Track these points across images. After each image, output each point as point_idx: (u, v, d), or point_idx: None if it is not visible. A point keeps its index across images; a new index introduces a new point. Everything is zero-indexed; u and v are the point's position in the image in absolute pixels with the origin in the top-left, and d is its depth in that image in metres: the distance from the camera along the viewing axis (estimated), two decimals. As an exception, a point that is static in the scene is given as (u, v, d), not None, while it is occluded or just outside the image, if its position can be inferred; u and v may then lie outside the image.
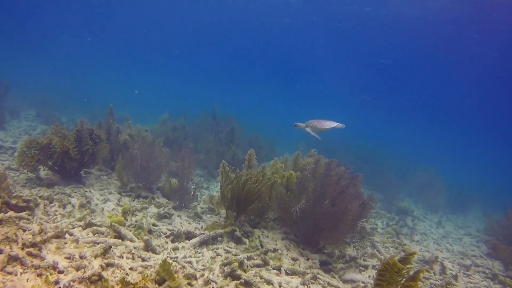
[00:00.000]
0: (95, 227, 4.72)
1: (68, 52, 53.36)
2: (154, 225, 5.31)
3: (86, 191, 6.23)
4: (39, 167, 6.50)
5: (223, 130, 11.80)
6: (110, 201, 6.05)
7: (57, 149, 6.26)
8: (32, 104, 18.18)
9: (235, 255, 4.91)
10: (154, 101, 32.42)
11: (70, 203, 5.54)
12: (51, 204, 5.36)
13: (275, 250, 5.22)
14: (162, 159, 7.17)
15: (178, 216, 6.05)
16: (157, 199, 6.68)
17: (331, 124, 6.17)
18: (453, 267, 6.73)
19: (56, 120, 14.63)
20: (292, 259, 5.18)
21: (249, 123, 15.51)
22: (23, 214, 4.65)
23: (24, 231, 4.20)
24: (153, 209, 6.07)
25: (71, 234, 4.41)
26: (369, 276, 5.51)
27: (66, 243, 4.06)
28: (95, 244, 4.27)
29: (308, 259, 5.34)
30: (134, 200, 6.47)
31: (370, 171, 13.88)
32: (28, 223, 4.50)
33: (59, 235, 4.07)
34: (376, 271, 5.34)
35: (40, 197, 5.48)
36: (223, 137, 11.48)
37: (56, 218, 4.94)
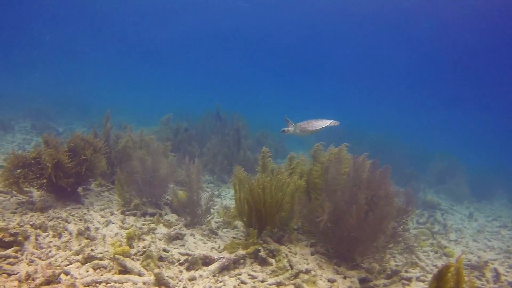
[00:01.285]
0: (95, 261, 4.01)
1: (62, 57, 52.84)
2: (165, 250, 4.60)
3: (85, 214, 5.51)
4: (29, 188, 5.79)
5: (230, 131, 11.03)
6: (113, 223, 5.33)
7: (48, 162, 5.54)
8: (27, 115, 17.51)
9: (262, 281, 4.20)
10: (153, 104, 31.73)
11: (66, 230, 4.82)
12: (45, 234, 4.65)
13: (307, 271, 4.49)
14: (169, 169, 6.43)
15: (191, 235, 5.33)
16: (165, 217, 5.97)
17: (323, 123, 5.48)
18: (506, 272, 5.99)
19: (50, 131, 13.96)
20: (329, 281, 4.45)
21: (257, 121, 14.76)
22: (9, 251, 3.95)
23: (9, 275, 3.50)
24: (162, 229, 5.35)
25: (67, 274, 3.70)
26: (416, 291, 4.79)
27: (60, 289, 3.34)
28: (97, 285, 3.56)
29: (345, 278, 4.62)
30: (140, 219, 5.75)
31: (387, 162, 13.15)
32: (15, 263, 3.81)
33: (50, 280, 3.35)
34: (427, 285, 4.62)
35: (31, 225, 4.78)
36: (230, 138, 10.72)
37: (50, 251, 4.23)
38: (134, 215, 5.86)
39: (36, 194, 6.22)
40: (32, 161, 5.67)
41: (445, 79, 42.85)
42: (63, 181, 5.70)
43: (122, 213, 5.85)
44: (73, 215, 5.44)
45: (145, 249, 4.46)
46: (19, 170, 5.54)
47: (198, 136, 11.33)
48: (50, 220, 5.13)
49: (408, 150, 17.20)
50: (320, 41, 41.30)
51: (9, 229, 4.22)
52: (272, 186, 4.89)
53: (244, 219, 5.13)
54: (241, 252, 4.63)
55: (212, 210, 5.99)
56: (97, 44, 50.43)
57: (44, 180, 5.83)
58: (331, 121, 5.54)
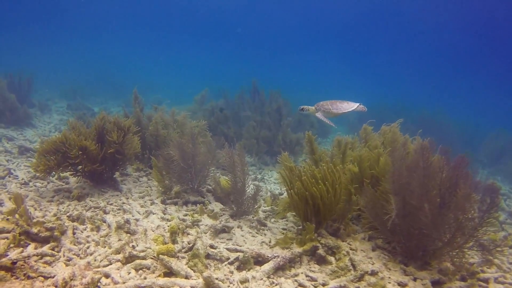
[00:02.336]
0: (138, 261, 3.61)
1: (93, 35, 53.35)
2: (212, 246, 4.16)
3: (123, 203, 5.16)
4: (61, 173, 5.52)
5: (268, 110, 10.36)
6: (154, 213, 4.95)
7: (73, 148, 5.23)
8: (63, 95, 17.59)
9: (323, 284, 3.70)
10: (186, 81, 31.45)
11: (105, 222, 4.48)
12: (83, 227, 4.32)
13: (373, 273, 3.94)
14: (208, 153, 5.96)
15: (238, 227, 4.88)
16: (209, 207, 5.53)
17: (350, 106, 4.78)
18: None
19: (85, 111, 13.88)
20: (399, 284, 3.89)
21: (294, 99, 14.01)
22: (46, 249, 3.63)
23: (46, 278, 3.15)
24: (206, 221, 4.93)
25: (107, 276, 3.32)
26: (497, 296, 4.16)
27: (100, 298, 2.96)
28: (140, 291, 3.16)
29: (415, 280, 4.04)
30: (182, 209, 5.36)
31: (437, 142, 12.16)
32: (52, 262, 3.48)
33: (90, 288, 2.97)
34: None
35: (68, 217, 4.47)
36: (269, 119, 10.08)
37: (88, 247, 3.88)
38: (175, 204, 5.47)
39: (72, 180, 5.96)
40: (62, 146, 5.34)
41: (498, 48, 39.54)
42: (88, 167, 5.37)
43: (163, 202, 5.47)
44: (111, 204, 5.11)
45: (190, 245, 4.04)
46: (52, 157, 5.23)
47: (235, 116, 10.77)
48: (88, 210, 4.81)
49: (457, 128, 16.06)
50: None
51: (45, 222, 3.90)
52: (326, 178, 4.32)
53: (300, 214, 4.58)
54: (296, 249, 4.13)
55: (257, 197, 5.48)
56: (130, 19, 50.66)
57: (80, 166, 5.53)
58: (358, 104, 4.88)
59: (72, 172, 5.57)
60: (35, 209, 4.72)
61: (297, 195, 4.35)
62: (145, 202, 5.37)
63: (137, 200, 5.42)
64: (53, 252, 3.62)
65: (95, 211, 4.80)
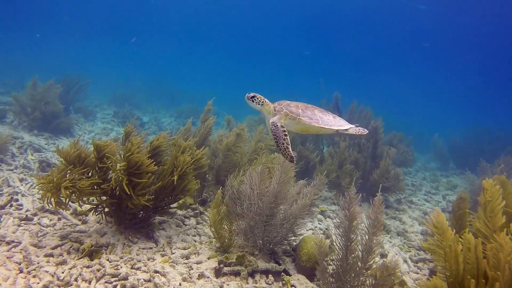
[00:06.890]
0: None
1: (153, 41, 54.38)
2: None
3: (156, 272, 3.38)
4: (79, 202, 3.89)
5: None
6: (202, 295, 3.12)
7: (121, 165, 3.58)
8: (112, 101, 16.71)
9: None
10: (237, 92, 30.03)
11: (121, 311, 2.73)
12: (80, 322, 2.58)
13: None
14: (299, 196, 4.07)
15: (342, 335, 2.92)
16: (290, 285, 3.60)
17: (336, 123, 2.82)
18: None
19: (134, 121, 12.63)
20: None
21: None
22: None
23: None
24: (288, 316, 3.02)
25: None
26: None
27: None
28: None
29: None
30: (246, 283, 3.48)
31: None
32: None
33: None
34: None
35: (62, 297, 2.77)
36: (364, 142, 7.92)
37: None
38: (236, 274, 3.59)
39: (92, 218, 4.36)
40: (97, 161, 3.74)
41: None
42: (138, 201, 3.68)
43: (217, 271, 3.60)
44: (137, 269, 3.38)
45: None
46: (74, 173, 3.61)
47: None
48: (99, 280, 3.11)
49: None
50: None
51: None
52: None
53: None
54: None
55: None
56: (193, 27, 51.33)
57: (104, 197, 3.89)
58: (352, 126, 2.91)
59: (93, 205, 3.92)
60: (20, 271, 3.11)
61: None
62: (190, 268, 3.55)
63: (178, 262, 3.63)
64: None
65: (110, 283, 3.08)
